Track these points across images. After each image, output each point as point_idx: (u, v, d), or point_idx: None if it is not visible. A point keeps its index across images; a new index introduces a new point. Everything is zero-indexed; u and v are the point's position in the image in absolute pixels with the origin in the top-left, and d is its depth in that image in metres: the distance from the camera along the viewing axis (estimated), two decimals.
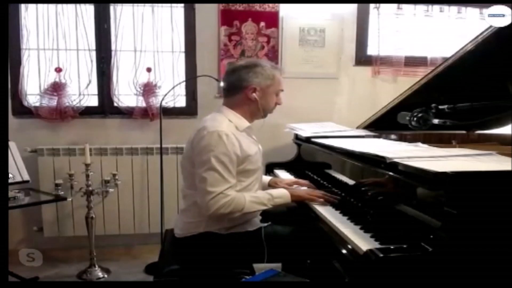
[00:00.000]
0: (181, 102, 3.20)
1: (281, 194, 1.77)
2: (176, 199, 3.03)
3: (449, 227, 1.14)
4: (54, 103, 2.99)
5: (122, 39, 3.05)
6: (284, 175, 2.49)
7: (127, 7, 3.04)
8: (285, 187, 1.93)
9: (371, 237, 1.33)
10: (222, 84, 1.90)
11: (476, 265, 1.16)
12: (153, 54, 3.10)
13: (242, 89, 1.78)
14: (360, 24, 3.33)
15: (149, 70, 3.10)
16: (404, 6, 3.31)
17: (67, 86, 3.02)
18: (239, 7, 3.15)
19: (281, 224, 1.89)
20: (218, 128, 1.66)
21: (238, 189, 1.69)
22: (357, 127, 2.77)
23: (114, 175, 2.85)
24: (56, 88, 3.00)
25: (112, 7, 3.04)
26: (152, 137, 3.10)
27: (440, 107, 1.59)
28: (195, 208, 1.72)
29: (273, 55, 3.21)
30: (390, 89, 3.23)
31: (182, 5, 3.12)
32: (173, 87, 3.01)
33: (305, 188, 1.99)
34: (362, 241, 1.30)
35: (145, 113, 3.09)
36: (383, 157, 1.45)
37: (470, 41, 1.84)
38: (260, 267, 1.67)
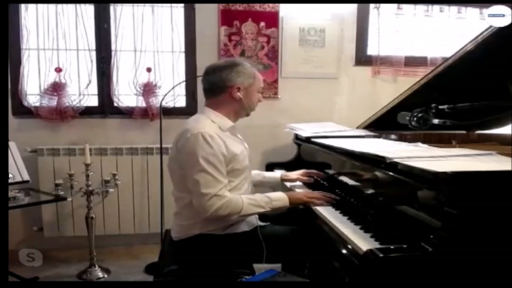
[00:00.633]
0: (181, 102, 3.20)
1: (280, 197, 1.75)
2: None
3: (449, 227, 1.15)
4: (54, 103, 2.99)
5: (122, 39, 3.05)
6: None
7: (127, 7, 3.04)
8: (298, 178, 2.14)
9: (371, 237, 1.33)
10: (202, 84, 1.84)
11: (476, 265, 1.16)
12: (153, 54, 3.10)
13: (225, 89, 1.76)
14: (360, 24, 3.34)
15: (149, 70, 3.10)
16: (404, 6, 3.31)
17: (67, 86, 3.02)
18: (239, 7, 3.15)
19: (281, 224, 1.89)
20: (201, 130, 1.64)
21: (227, 190, 1.67)
22: (357, 127, 2.77)
23: (114, 175, 2.85)
24: (56, 88, 3.00)
25: (112, 7, 3.04)
26: (152, 137, 3.11)
27: (440, 107, 1.59)
28: (188, 211, 1.71)
29: (273, 55, 3.21)
30: (390, 89, 3.23)
31: (182, 5, 3.12)
32: (173, 87, 3.01)
33: (302, 190, 1.99)
34: (362, 241, 1.30)
35: (145, 113, 3.09)
36: (383, 157, 1.46)
37: (470, 41, 1.84)
38: (260, 267, 1.66)
